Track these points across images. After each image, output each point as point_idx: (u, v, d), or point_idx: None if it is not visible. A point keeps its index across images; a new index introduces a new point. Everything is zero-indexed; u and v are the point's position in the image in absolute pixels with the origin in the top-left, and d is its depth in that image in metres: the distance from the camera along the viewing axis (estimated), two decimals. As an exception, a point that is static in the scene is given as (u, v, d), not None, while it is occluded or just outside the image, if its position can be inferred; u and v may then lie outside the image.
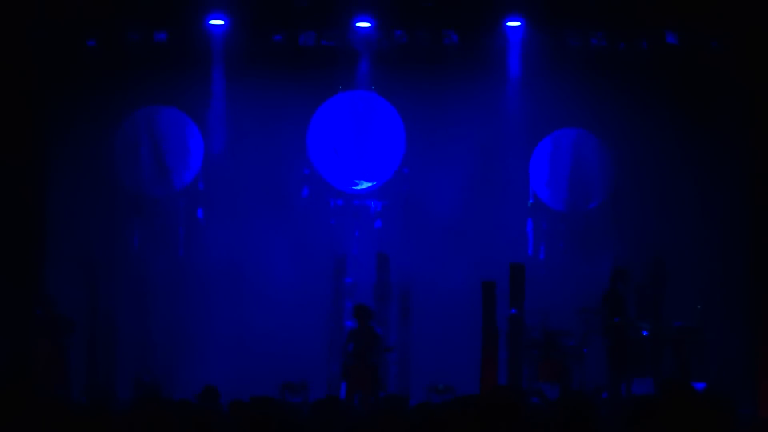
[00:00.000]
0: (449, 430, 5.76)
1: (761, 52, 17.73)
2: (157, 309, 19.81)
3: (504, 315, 17.51)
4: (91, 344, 18.66)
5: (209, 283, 19.91)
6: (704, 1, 18.26)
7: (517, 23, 19.52)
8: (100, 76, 19.47)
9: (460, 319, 18.91)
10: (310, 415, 7.08)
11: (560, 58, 19.48)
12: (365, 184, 20.42)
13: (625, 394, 17.30)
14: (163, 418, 6.23)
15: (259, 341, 19.51)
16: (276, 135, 20.13)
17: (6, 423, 5.73)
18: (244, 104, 20.02)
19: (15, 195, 18.04)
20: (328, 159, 20.41)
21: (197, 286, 19.92)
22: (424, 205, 20.21)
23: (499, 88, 19.93)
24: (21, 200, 18.18)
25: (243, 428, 6.09)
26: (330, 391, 18.09)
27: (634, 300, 18.26)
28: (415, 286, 19.54)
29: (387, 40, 19.74)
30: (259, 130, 20.09)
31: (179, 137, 20.32)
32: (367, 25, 19.52)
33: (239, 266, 19.95)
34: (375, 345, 17.67)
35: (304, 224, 20.25)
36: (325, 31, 19.73)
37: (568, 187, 20.33)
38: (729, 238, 19.22)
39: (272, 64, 19.75)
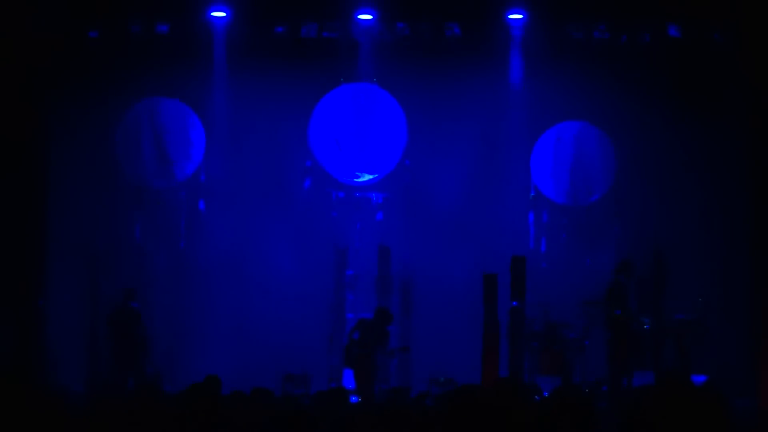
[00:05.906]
0: (450, 420, 5.77)
1: (763, 45, 17.73)
2: (158, 300, 19.81)
3: (505, 307, 17.50)
4: (93, 335, 18.65)
5: (211, 275, 19.92)
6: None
7: (519, 16, 19.52)
8: (102, 67, 19.47)
9: (461, 311, 18.91)
10: (313, 406, 7.09)
11: (562, 51, 19.48)
12: (367, 176, 20.41)
13: (626, 387, 17.29)
14: (164, 409, 6.24)
15: (260, 333, 19.53)
16: (278, 127, 20.13)
17: (7, 415, 5.74)
18: (246, 96, 20.01)
19: (17, 187, 18.07)
20: (330, 151, 20.41)
21: (199, 277, 19.94)
22: (425, 198, 20.21)
23: (501, 81, 19.93)
24: (23, 192, 18.21)
25: (242, 420, 6.09)
26: (331, 382, 18.09)
27: (635, 293, 18.24)
28: (417, 279, 19.53)
29: (389, 32, 19.74)
30: (261, 121, 20.09)
31: (181, 129, 20.31)
32: (369, 17, 19.52)
33: (241, 258, 19.97)
34: (381, 341, 17.69)
35: (306, 216, 20.25)
36: (327, 23, 19.74)
37: (570, 179, 20.32)
38: (730, 230, 19.22)
39: (274, 55, 19.75)
